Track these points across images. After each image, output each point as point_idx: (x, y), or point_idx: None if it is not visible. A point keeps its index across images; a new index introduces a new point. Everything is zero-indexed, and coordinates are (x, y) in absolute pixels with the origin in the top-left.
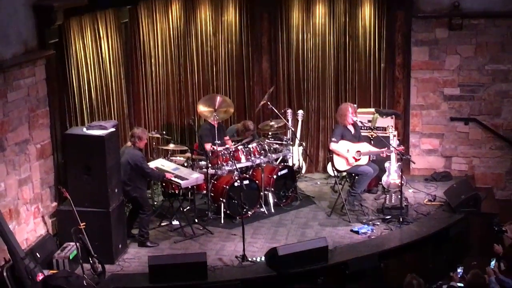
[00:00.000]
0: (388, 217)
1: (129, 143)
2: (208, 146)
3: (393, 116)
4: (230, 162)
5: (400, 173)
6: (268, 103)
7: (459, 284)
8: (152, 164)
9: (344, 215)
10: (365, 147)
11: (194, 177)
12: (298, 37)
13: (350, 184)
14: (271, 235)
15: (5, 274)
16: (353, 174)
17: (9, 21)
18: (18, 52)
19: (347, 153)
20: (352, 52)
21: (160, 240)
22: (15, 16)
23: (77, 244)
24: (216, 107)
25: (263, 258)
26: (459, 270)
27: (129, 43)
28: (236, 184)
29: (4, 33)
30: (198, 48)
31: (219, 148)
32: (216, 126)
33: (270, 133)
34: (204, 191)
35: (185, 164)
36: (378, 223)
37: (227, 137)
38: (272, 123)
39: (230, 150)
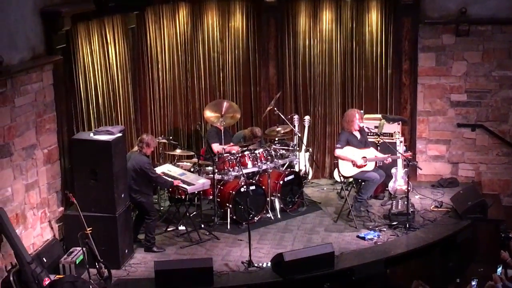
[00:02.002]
0: (395, 223)
1: (135, 148)
2: (216, 147)
3: (400, 122)
4: (236, 168)
5: (407, 179)
6: (275, 108)
7: None
8: (159, 169)
9: (350, 221)
10: (371, 152)
11: (200, 182)
12: (305, 43)
13: (356, 190)
14: (277, 240)
15: (11, 278)
16: (360, 180)
17: (17, 27)
18: (25, 57)
19: (353, 157)
20: (359, 58)
21: (167, 245)
22: (22, 21)
23: (84, 249)
24: (222, 113)
25: (269, 264)
26: (473, 283)
27: (136, 48)
28: (242, 189)
29: (11, 39)
30: (205, 53)
31: (226, 151)
32: (222, 130)
33: (276, 139)
34: (211, 197)
35: (192, 170)
36: (385, 229)
37: (232, 144)
38: (279, 128)
39: (237, 155)
